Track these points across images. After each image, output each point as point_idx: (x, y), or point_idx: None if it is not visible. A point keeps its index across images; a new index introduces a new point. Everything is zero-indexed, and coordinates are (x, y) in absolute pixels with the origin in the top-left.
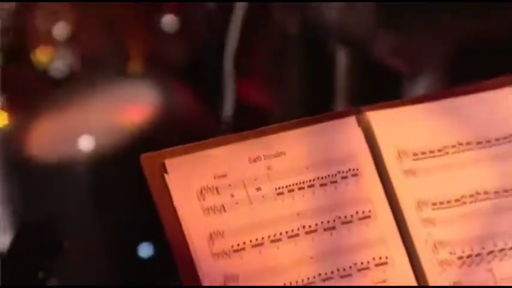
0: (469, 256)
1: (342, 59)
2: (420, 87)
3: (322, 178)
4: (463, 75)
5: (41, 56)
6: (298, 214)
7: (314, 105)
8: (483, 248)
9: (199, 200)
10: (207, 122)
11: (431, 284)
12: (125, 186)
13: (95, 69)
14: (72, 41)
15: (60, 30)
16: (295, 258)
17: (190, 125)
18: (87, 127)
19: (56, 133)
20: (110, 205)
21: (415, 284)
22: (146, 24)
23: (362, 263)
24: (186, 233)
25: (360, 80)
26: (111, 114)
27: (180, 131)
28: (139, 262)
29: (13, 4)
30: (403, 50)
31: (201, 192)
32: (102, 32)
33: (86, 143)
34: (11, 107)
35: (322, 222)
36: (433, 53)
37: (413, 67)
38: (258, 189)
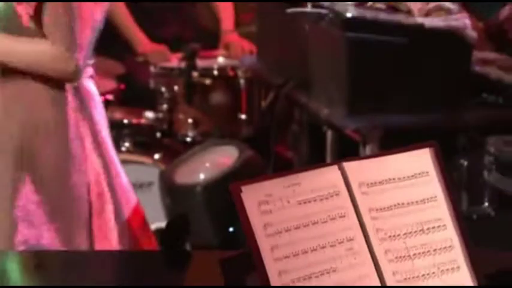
0: (394, 235)
1: (329, 135)
2: (368, 150)
3: (320, 195)
4: (390, 145)
5: (181, 131)
6: (309, 214)
7: (316, 159)
8: (401, 231)
9: (258, 207)
10: (261, 167)
11: (375, 250)
12: (222, 199)
13: (206, 139)
14: (196, 126)
15: (194, 122)
16: (308, 236)
17: (253, 169)
18: (202, 168)
19: (188, 171)
20: (214, 207)
21: (367, 250)
22: (230, 119)
23: (341, 239)
24: (252, 223)
25: (339, 146)
26: (213, 163)
27: (248, 172)
28: (229, 235)
29: (166, 107)
30: (359, 131)
31: (259, 203)
32: (209, 122)
33: (202, 177)
34: (165, 159)
35: (320, 218)
36: (374, 134)
37: (365, 139)
38: (288, 201)
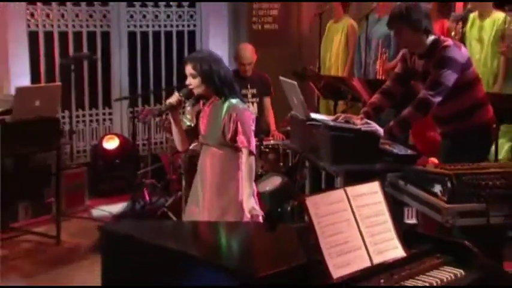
0: (366, 217)
1: (323, 174)
2: (339, 181)
3: (336, 201)
4: (349, 180)
5: (257, 170)
6: (332, 209)
7: (316, 185)
8: (368, 215)
9: (313, 206)
10: (291, 187)
11: (359, 224)
12: (276, 198)
13: (268, 173)
14: (263, 167)
15: (262, 166)
16: (333, 218)
17: (288, 188)
18: (267, 185)
19: (262, 186)
20: (272, 202)
21: (355, 224)
22: (277, 165)
23: (345, 219)
24: (310, 213)
25: (326, 178)
26: (271, 183)
27: (285, 189)
28: (278, 213)
29: None
30: (335, 172)
31: (313, 204)
32: (269, 166)
33: (267, 188)
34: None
35: (337, 211)
36: (341, 173)
37: (337, 175)
38: (323, 204)
